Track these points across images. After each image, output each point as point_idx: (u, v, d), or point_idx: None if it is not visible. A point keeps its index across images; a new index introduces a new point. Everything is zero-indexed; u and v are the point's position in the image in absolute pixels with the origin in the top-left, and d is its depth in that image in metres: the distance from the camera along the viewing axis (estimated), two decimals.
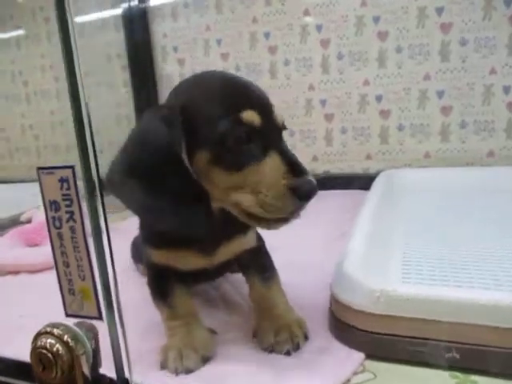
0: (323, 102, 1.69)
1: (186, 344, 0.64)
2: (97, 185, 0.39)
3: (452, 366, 0.59)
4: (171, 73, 1.92)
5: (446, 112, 1.53)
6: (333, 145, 1.71)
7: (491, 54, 1.45)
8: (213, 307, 0.83)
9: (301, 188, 0.54)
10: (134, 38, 1.92)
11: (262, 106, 0.58)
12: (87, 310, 0.41)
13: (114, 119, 2.07)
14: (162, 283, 0.70)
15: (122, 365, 0.43)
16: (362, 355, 0.63)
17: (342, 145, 1.69)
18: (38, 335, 0.40)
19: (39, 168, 0.39)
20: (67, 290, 0.41)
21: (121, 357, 0.43)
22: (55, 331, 0.39)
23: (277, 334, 0.66)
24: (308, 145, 1.74)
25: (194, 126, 0.56)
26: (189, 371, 0.61)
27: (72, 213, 0.40)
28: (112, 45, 2.01)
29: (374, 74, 1.60)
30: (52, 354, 0.38)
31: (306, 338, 0.67)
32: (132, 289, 0.90)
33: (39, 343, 0.39)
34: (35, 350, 0.39)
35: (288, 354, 0.64)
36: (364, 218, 0.96)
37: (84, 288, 0.41)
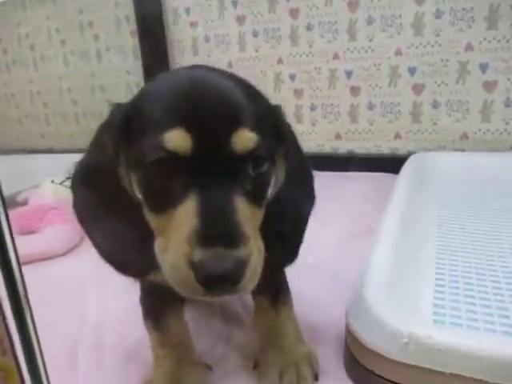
0: (349, 74, 1.51)
1: (172, 381, 0.54)
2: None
3: None
4: (183, 38, 1.76)
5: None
6: (358, 122, 1.54)
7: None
8: (211, 319, 0.72)
9: (202, 267, 0.35)
10: None
11: (208, 124, 0.39)
12: None
13: (124, 87, 1.94)
14: (155, 302, 0.59)
15: None
16: None
17: (369, 122, 1.52)
18: None
19: None
20: None
21: None
22: None
23: (282, 372, 0.55)
24: (331, 121, 1.58)
25: (128, 140, 0.42)
26: None
27: None
28: (120, 5, 1.85)
29: (408, 42, 1.41)
30: None
31: (316, 378, 0.56)
32: (120, 297, 0.81)
33: None
34: None
35: None
36: (391, 217, 0.82)
37: (5, 365, 0.30)
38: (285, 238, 0.49)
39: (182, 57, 1.77)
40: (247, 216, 0.39)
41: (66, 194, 1.15)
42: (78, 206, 0.48)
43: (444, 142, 1.43)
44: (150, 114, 0.41)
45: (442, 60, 1.35)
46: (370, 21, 1.42)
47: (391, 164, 1.38)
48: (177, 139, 0.38)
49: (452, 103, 1.38)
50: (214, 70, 0.46)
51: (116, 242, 0.47)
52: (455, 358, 0.47)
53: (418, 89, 1.41)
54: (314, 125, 1.60)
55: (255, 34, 1.60)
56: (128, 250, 0.47)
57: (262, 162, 0.42)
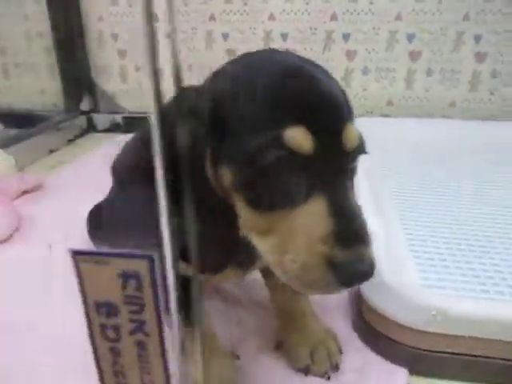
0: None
1: (206, 375, 0.53)
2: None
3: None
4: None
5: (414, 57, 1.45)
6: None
7: None
8: (215, 303, 0.71)
9: (344, 267, 0.35)
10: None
11: (324, 120, 0.38)
12: None
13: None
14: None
15: None
16: (405, 371, 0.58)
17: None
18: None
19: (75, 252, 0.22)
20: None
21: None
22: None
23: (313, 351, 0.57)
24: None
25: (223, 130, 0.39)
26: None
27: (141, 322, 0.24)
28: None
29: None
30: None
31: (341, 352, 0.60)
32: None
33: None
34: None
35: (327, 376, 0.56)
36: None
37: None
38: None
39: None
40: None
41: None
42: (139, 202, 0.43)
43: (372, 107, 1.52)
44: (258, 108, 0.38)
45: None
46: None
47: None
48: (299, 138, 0.36)
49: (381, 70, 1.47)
50: (299, 56, 0.43)
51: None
52: (474, 323, 0.54)
53: None
54: None
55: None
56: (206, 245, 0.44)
57: (359, 156, 0.42)
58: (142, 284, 0.22)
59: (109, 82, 1.64)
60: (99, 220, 0.83)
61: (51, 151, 1.43)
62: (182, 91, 0.43)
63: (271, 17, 1.46)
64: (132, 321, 0.24)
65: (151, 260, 0.22)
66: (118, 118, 1.65)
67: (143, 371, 0.25)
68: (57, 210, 1.01)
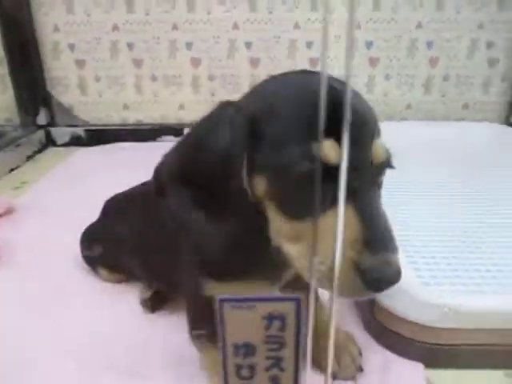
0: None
1: None
2: None
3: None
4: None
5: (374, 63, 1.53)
6: None
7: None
8: None
9: (372, 273, 0.37)
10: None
11: (353, 135, 0.39)
12: None
13: None
14: (210, 314, 0.56)
15: None
16: (421, 366, 0.62)
17: None
18: None
19: (222, 300, 0.23)
20: None
21: None
22: None
23: (337, 357, 0.60)
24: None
25: (258, 142, 0.42)
26: None
27: (279, 359, 0.25)
28: None
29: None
30: None
31: (360, 354, 0.63)
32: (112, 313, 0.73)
33: None
34: None
35: (354, 379, 0.60)
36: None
37: None
38: None
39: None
40: None
41: None
42: (175, 202, 0.46)
43: None
44: (291, 123, 0.41)
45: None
46: None
47: None
48: (329, 150, 0.38)
49: None
50: (332, 77, 0.45)
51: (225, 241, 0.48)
52: (485, 316, 0.60)
53: None
54: None
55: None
56: (235, 251, 0.47)
57: (385, 169, 0.44)
58: (285, 324, 0.24)
59: (66, 94, 1.57)
60: (96, 242, 0.81)
61: (11, 169, 1.35)
62: (221, 105, 0.45)
63: (235, 26, 1.48)
64: (269, 358, 0.25)
65: (298, 301, 0.23)
66: (80, 130, 1.58)
67: None
68: (32, 234, 0.97)
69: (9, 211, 1.05)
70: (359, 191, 0.40)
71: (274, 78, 0.47)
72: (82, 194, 1.16)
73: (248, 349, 0.25)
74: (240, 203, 0.43)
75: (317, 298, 0.64)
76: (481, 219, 0.87)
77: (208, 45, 1.49)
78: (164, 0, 1.45)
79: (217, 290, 0.55)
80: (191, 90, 1.56)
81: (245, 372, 0.25)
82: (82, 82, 1.56)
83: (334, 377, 0.60)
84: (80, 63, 1.53)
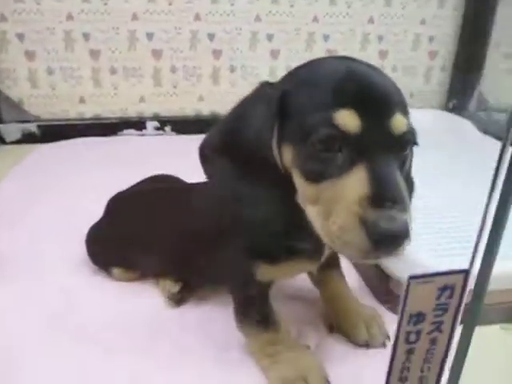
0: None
1: (296, 375, 0.59)
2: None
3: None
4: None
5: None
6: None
7: None
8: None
9: (375, 227, 0.38)
10: None
11: (373, 105, 0.43)
12: None
13: None
14: (265, 304, 0.61)
15: None
16: None
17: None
18: None
19: (411, 277, 0.27)
20: None
21: None
22: None
23: (368, 328, 0.67)
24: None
25: (288, 114, 0.47)
26: None
27: (440, 323, 0.30)
28: None
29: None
30: None
31: (388, 338, 0.70)
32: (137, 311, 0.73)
33: None
34: None
35: (385, 345, 0.67)
36: None
37: None
38: None
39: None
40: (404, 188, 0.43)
41: None
42: (218, 174, 0.52)
43: None
44: (316, 95, 0.45)
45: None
46: None
47: None
48: (348, 118, 0.42)
49: None
50: (361, 61, 0.50)
51: (267, 211, 0.50)
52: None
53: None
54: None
55: None
56: (274, 220, 0.50)
57: (408, 145, 0.47)
58: (453, 293, 0.29)
59: (15, 87, 1.46)
60: (106, 241, 0.79)
61: None
62: (260, 85, 0.51)
63: (197, 17, 1.47)
64: (434, 323, 0.30)
65: (466, 273, 0.29)
66: (32, 126, 1.48)
67: (425, 362, 0.32)
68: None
69: None
70: (375, 156, 0.42)
71: (310, 61, 0.52)
72: (52, 197, 1.09)
73: (419, 317, 0.30)
74: (273, 172, 0.48)
75: (340, 273, 0.71)
76: None
77: (170, 36, 1.47)
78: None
79: (268, 275, 0.58)
80: (152, 83, 1.53)
81: (412, 337, 0.30)
82: (32, 75, 1.46)
83: (368, 345, 0.67)
84: (30, 54, 1.43)
